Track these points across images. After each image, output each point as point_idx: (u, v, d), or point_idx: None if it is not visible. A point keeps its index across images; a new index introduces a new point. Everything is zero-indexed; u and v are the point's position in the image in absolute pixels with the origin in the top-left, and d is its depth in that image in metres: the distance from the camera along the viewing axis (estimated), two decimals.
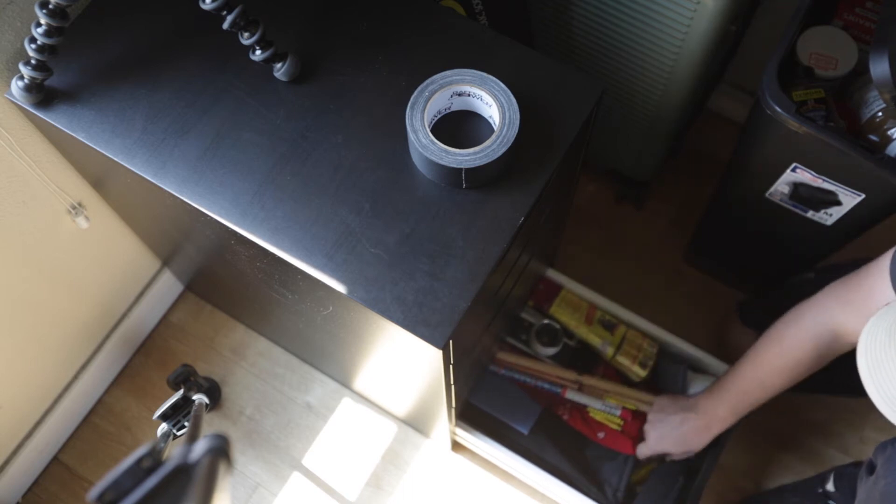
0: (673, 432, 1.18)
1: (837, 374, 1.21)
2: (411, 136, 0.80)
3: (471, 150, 0.79)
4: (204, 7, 0.80)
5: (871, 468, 0.92)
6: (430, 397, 1.06)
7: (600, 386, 1.31)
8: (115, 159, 0.85)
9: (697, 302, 1.52)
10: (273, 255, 0.82)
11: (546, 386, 1.33)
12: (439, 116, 0.86)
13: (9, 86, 0.87)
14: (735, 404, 1.10)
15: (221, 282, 1.25)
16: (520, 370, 1.34)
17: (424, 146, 0.80)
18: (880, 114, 0.99)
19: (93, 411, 1.43)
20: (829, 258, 1.23)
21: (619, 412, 1.28)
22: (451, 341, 0.79)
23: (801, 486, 1.20)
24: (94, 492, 0.45)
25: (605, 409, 1.30)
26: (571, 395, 1.32)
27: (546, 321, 1.36)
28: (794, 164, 1.02)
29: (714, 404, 1.12)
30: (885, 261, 0.87)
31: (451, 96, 0.84)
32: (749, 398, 1.08)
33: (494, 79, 0.82)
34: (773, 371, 1.04)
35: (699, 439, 1.16)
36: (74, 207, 1.13)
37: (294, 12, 0.93)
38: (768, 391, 1.06)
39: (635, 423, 1.30)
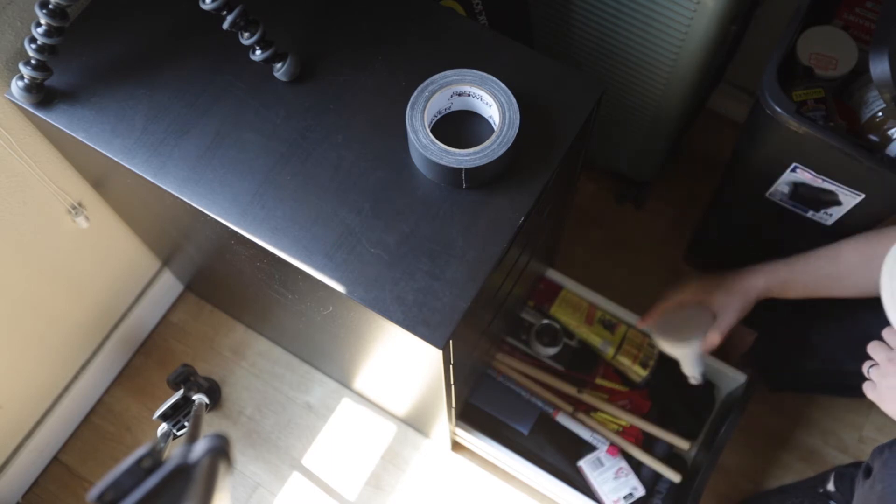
0: (721, 281, 1.15)
1: (837, 374, 1.21)
2: (411, 136, 0.80)
3: (471, 150, 0.79)
4: (204, 7, 0.80)
5: (868, 471, 0.92)
6: (430, 397, 1.06)
7: (598, 406, 1.31)
8: (115, 159, 0.85)
9: None
10: (273, 255, 0.82)
11: (539, 403, 1.32)
12: (439, 116, 0.86)
13: (9, 86, 0.87)
14: (797, 269, 1.08)
15: (221, 282, 1.25)
16: (518, 382, 1.33)
17: (424, 146, 0.80)
18: (880, 114, 0.99)
19: (93, 411, 1.43)
20: None
21: (605, 447, 1.28)
22: (451, 341, 0.79)
23: (802, 486, 1.20)
24: (94, 492, 0.45)
25: (592, 441, 1.29)
26: (562, 419, 1.31)
27: (546, 321, 1.36)
28: (794, 164, 1.02)
29: (782, 262, 1.11)
30: None
31: (451, 96, 0.84)
32: (812, 273, 1.07)
33: (494, 79, 0.82)
34: (843, 272, 1.02)
35: (739, 282, 1.13)
36: (74, 207, 1.13)
37: (294, 12, 0.93)
38: (833, 277, 1.05)
39: (629, 438, 1.30)
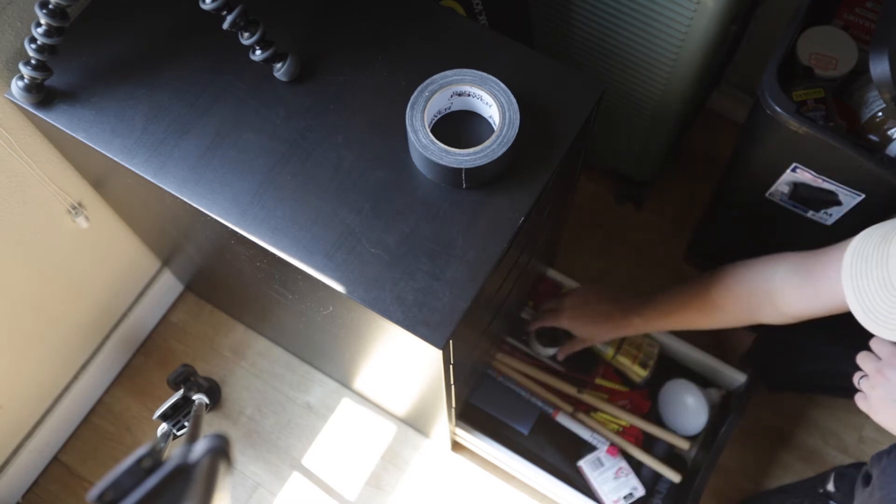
0: (588, 313, 1.24)
1: (834, 375, 1.21)
2: (411, 136, 0.80)
3: (471, 150, 0.79)
4: (204, 7, 0.80)
5: (867, 479, 0.92)
6: (430, 397, 1.06)
7: (598, 406, 1.31)
8: (115, 159, 0.85)
9: None
10: (273, 254, 0.82)
11: (539, 403, 1.32)
12: (439, 116, 0.86)
13: (9, 86, 0.87)
14: (650, 319, 1.16)
15: (221, 282, 1.25)
16: (518, 382, 1.33)
17: (424, 146, 0.80)
18: (880, 114, 0.99)
19: (93, 411, 1.43)
20: None
21: (605, 447, 1.28)
22: (451, 341, 0.79)
23: (802, 486, 1.20)
24: (94, 492, 0.45)
25: (592, 441, 1.29)
26: (562, 419, 1.31)
27: None
28: (794, 164, 1.02)
29: (636, 310, 1.18)
30: (843, 249, 0.84)
31: (451, 96, 0.84)
32: (665, 322, 1.14)
33: (494, 79, 0.82)
34: (700, 309, 1.07)
35: (605, 330, 1.22)
36: (74, 207, 1.13)
37: (294, 12, 0.93)
38: (683, 323, 1.11)
39: (629, 438, 1.30)
